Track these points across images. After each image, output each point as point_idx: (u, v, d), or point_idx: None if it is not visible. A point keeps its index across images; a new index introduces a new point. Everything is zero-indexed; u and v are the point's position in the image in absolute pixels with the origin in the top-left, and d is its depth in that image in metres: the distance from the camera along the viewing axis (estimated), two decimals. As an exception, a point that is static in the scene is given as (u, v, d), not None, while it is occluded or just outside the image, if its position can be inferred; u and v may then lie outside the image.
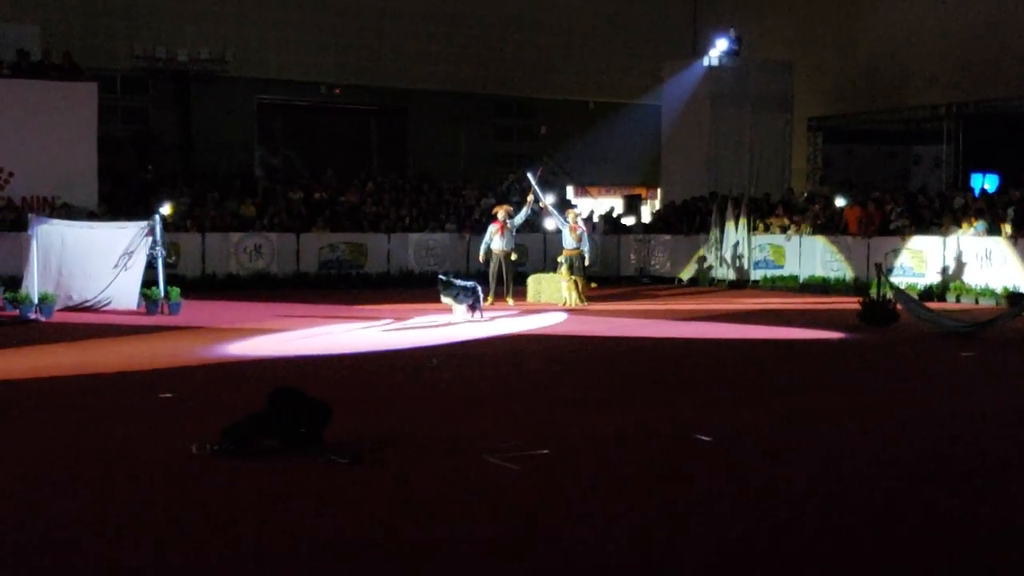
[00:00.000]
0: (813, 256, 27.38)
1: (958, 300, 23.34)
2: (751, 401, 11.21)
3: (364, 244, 28.91)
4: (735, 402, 11.12)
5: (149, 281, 20.18)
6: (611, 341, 16.94)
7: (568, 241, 23.01)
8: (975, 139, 33.02)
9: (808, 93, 35.93)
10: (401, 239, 29.37)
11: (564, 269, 22.52)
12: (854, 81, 35.90)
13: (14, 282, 20.20)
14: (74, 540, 6.36)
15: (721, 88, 34.11)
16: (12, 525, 6.59)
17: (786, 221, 28.81)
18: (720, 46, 34.35)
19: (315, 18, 36.48)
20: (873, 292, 19.31)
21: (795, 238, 27.86)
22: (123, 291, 20.01)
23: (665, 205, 35.20)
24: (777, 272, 27.99)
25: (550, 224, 26.35)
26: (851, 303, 19.86)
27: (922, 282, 24.34)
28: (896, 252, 25.59)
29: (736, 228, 28.32)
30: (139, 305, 19.93)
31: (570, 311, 21.37)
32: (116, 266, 20.01)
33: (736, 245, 28.37)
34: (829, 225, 27.96)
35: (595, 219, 32.79)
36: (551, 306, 22.16)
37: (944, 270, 24.42)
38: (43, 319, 18.71)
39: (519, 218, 23.18)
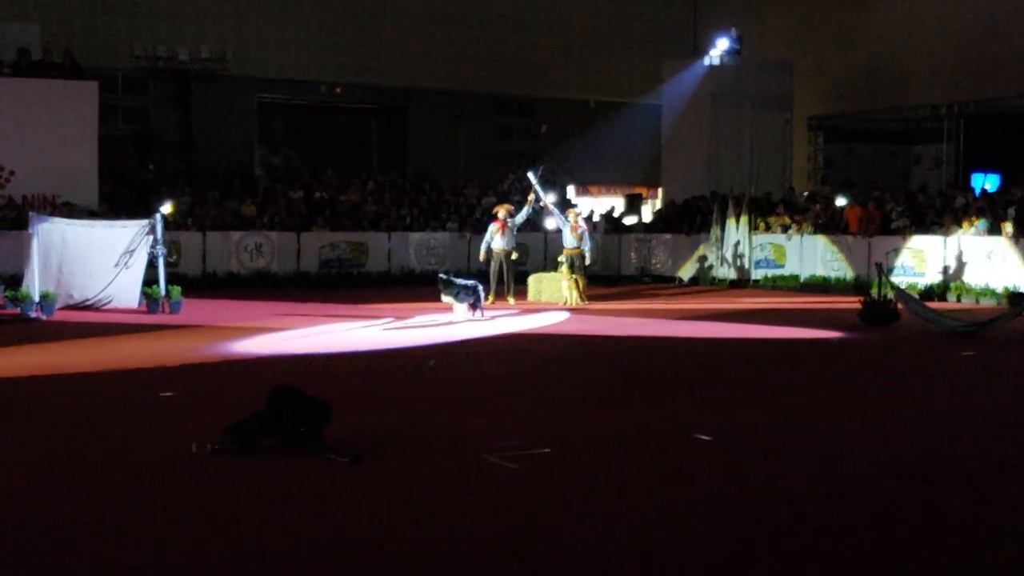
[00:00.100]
0: (814, 255, 27.37)
1: (959, 300, 23.33)
2: (751, 400, 11.21)
3: (365, 243, 28.92)
4: (735, 401, 11.12)
5: (150, 280, 20.19)
6: (612, 340, 16.94)
7: (569, 240, 23.01)
8: (976, 138, 33.03)
9: (809, 92, 35.93)
10: (402, 238, 29.38)
11: (565, 268, 22.53)
12: (855, 80, 35.90)
13: (15, 281, 20.21)
14: (74, 540, 6.36)
15: (722, 87, 34.12)
16: (12, 525, 6.59)
17: (787, 220, 28.80)
18: (721, 45, 34.37)
19: (315, 17, 36.51)
20: (874, 292, 19.30)
21: (796, 237, 27.86)
22: (124, 290, 20.02)
23: (666, 204, 35.20)
24: (778, 271, 27.98)
25: (551, 223, 26.35)
26: (852, 303, 19.85)
27: (923, 282, 24.34)
28: (897, 252, 25.59)
29: (737, 227, 28.32)
30: (140, 304, 19.95)
31: (571, 310, 21.37)
32: (117, 265, 20.02)
33: (737, 244, 28.36)
34: (830, 225, 27.95)
35: (595, 218, 32.79)
36: (552, 305, 22.16)
37: (945, 270, 24.42)
38: (44, 318, 18.71)
39: (520, 217, 23.19)
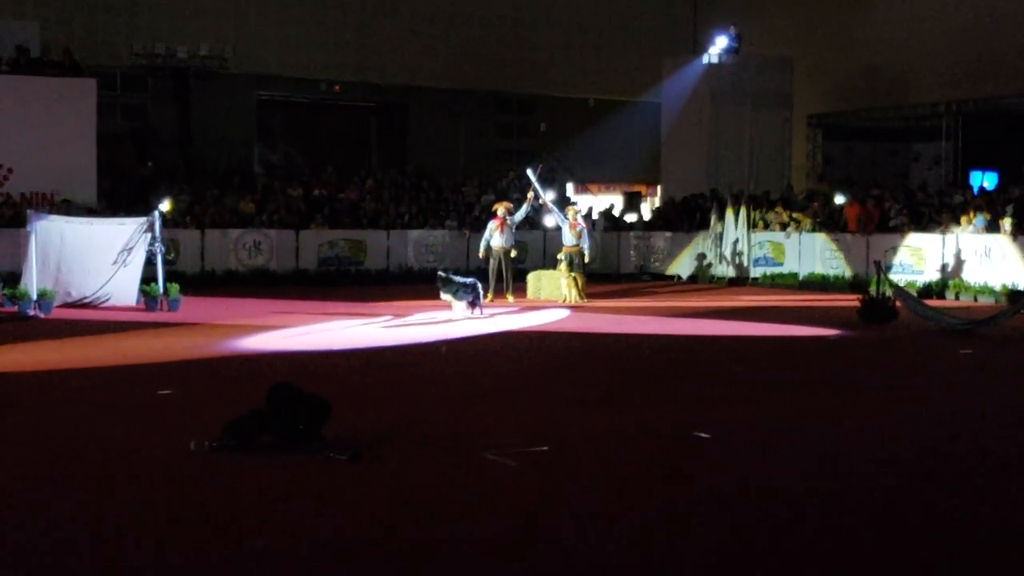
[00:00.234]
0: (812, 253, 27.37)
1: (957, 297, 23.34)
2: (750, 399, 11.21)
3: (363, 241, 28.91)
4: (734, 399, 11.12)
5: (148, 277, 20.19)
6: (611, 338, 16.95)
7: (568, 238, 23.00)
8: (974, 136, 33.05)
9: (808, 90, 35.93)
10: (401, 236, 29.37)
11: (564, 266, 22.53)
12: (854, 79, 35.90)
13: (13, 278, 20.20)
14: (74, 540, 6.35)
15: (721, 85, 34.12)
16: (12, 525, 6.58)
17: (786, 217, 28.80)
18: (720, 43, 34.35)
19: (315, 15, 36.48)
20: (872, 289, 19.30)
21: (795, 235, 27.86)
22: (122, 287, 20.02)
23: (665, 202, 35.20)
24: (776, 269, 27.99)
25: (550, 221, 26.36)
26: (850, 300, 19.85)
27: (921, 279, 24.36)
28: (895, 249, 25.60)
29: (736, 225, 28.31)
30: (138, 301, 19.95)
31: (570, 308, 21.36)
32: (115, 262, 20.02)
33: (736, 242, 28.36)
34: (829, 222, 27.95)
35: (594, 216, 32.78)
36: (551, 303, 22.15)
37: (943, 267, 24.44)
38: (42, 315, 18.71)
39: (519, 215, 23.18)
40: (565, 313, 20.41)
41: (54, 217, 21.10)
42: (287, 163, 37.26)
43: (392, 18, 37.43)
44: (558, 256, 23.16)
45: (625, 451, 8.76)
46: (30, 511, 6.88)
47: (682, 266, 29.97)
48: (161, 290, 19.84)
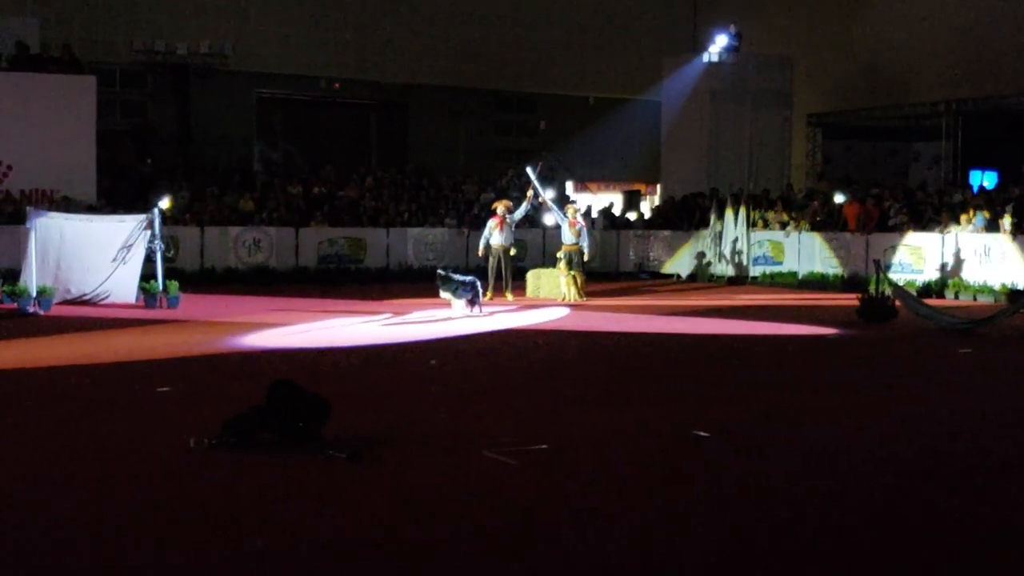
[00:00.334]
0: (812, 252, 27.38)
1: (956, 297, 23.34)
2: (749, 397, 11.21)
3: (363, 239, 28.90)
4: (734, 398, 11.12)
5: (148, 275, 20.19)
6: (610, 337, 16.95)
7: (567, 236, 23.01)
8: (974, 136, 33.04)
9: (808, 89, 35.93)
10: (400, 234, 29.35)
11: (563, 264, 22.53)
12: (854, 78, 35.91)
13: (13, 275, 20.19)
14: (74, 540, 6.34)
15: (721, 84, 34.13)
16: (12, 525, 6.57)
17: (785, 216, 28.80)
18: (720, 42, 34.37)
19: (315, 12, 36.47)
20: (872, 289, 19.30)
21: (794, 234, 27.86)
22: (121, 285, 20.02)
23: (664, 201, 35.19)
24: (776, 268, 27.99)
25: (549, 219, 26.35)
26: (850, 299, 19.84)
27: (921, 279, 24.36)
28: (895, 248, 25.60)
29: (735, 224, 28.32)
30: (137, 299, 19.95)
31: (569, 306, 21.36)
32: (115, 260, 20.03)
33: (735, 241, 28.36)
34: (828, 221, 27.95)
35: (594, 215, 32.76)
36: (550, 301, 22.16)
37: (943, 267, 24.44)
38: (41, 312, 18.71)
39: (518, 214, 23.18)
40: (564, 312, 20.41)
41: (54, 214, 21.10)
42: (287, 161, 37.27)
43: (392, 16, 37.42)
44: (557, 255, 23.16)
45: (625, 450, 8.76)
46: (30, 511, 6.87)
47: (681, 265, 29.98)
48: (160, 287, 19.85)
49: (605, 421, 9.83)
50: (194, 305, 20.15)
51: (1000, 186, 29.89)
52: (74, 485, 7.51)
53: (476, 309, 19.16)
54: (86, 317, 18.21)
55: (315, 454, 8.18)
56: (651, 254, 31.01)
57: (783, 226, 28.46)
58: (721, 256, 28.63)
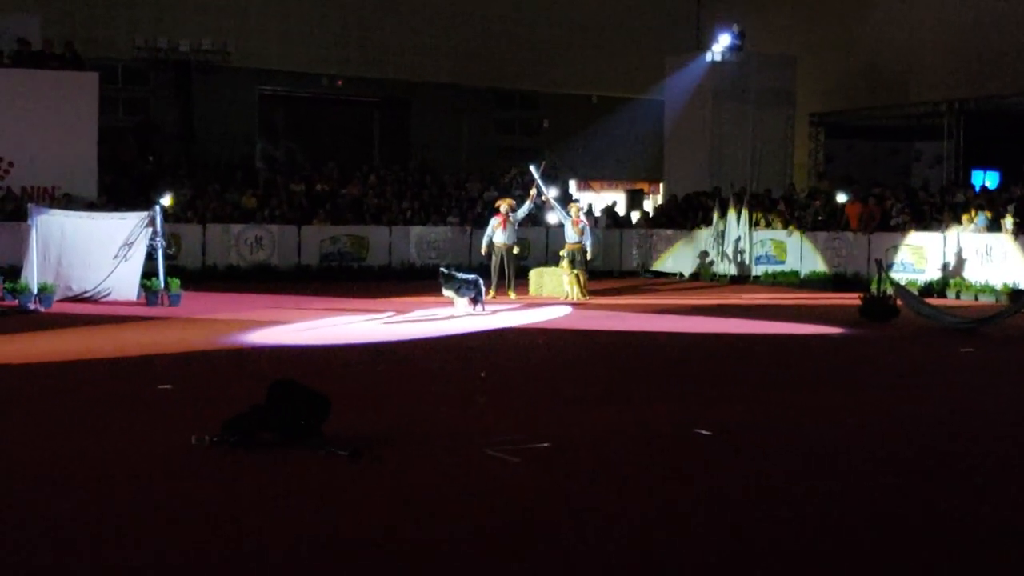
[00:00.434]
0: (815, 252, 27.37)
1: (958, 296, 23.34)
2: (750, 397, 11.20)
3: (366, 237, 28.91)
4: (734, 398, 11.11)
5: (149, 272, 20.20)
6: (612, 335, 16.94)
7: (570, 235, 23.02)
8: (976, 135, 33.05)
9: (810, 89, 35.92)
10: (403, 232, 29.37)
11: (566, 263, 22.53)
12: (856, 77, 35.89)
13: (14, 272, 20.21)
14: (74, 540, 6.33)
15: (724, 83, 34.15)
16: (12, 525, 6.57)
17: (785, 219, 28.78)
18: (723, 41, 34.39)
19: (318, 9, 36.47)
20: (873, 288, 19.30)
21: (796, 233, 27.86)
22: (123, 282, 20.02)
23: (667, 200, 35.20)
24: (778, 267, 27.99)
25: (552, 218, 26.36)
26: (852, 299, 19.84)
27: (922, 278, 24.36)
28: (897, 248, 25.59)
29: (738, 223, 28.32)
30: (139, 296, 19.95)
31: (572, 305, 21.36)
32: (116, 257, 20.03)
33: (738, 240, 28.36)
34: (829, 221, 27.95)
35: (596, 213, 32.76)
36: (553, 300, 22.17)
37: (944, 266, 24.43)
38: (42, 309, 18.72)
39: (521, 212, 23.17)
40: (567, 310, 20.42)
41: (55, 211, 21.10)
42: (289, 158, 37.28)
43: (395, 14, 37.43)
44: (560, 253, 23.17)
45: (625, 450, 8.75)
46: (30, 511, 6.87)
47: (683, 264, 29.99)
48: (162, 285, 19.85)
49: (605, 421, 9.82)
50: (195, 303, 20.15)
51: (1002, 186, 29.91)
52: (74, 485, 7.49)
53: (479, 307, 19.16)
54: (87, 314, 18.21)
55: (316, 451, 8.17)
56: (654, 253, 31.02)
57: (786, 225, 28.45)
58: (724, 255, 28.64)
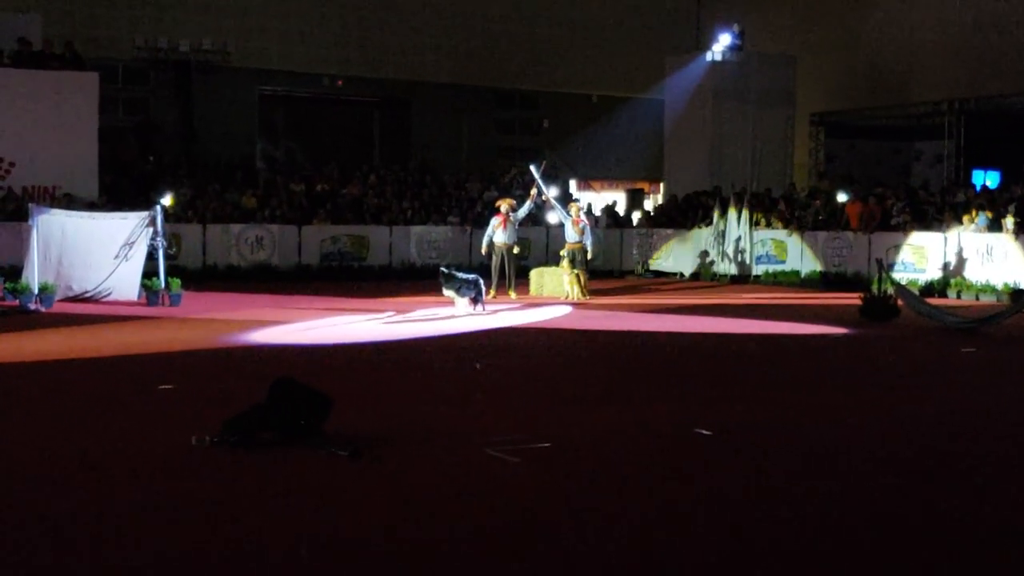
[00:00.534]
0: (815, 251, 27.36)
1: (959, 296, 23.34)
2: (750, 397, 11.19)
3: (366, 236, 28.92)
4: (734, 398, 11.10)
5: (149, 272, 20.20)
6: (613, 335, 16.93)
7: (570, 235, 23.03)
8: (977, 135, 33.04)
9: (811, 88, 35.92)
10: (403, 232, 29.38)
11: (566, 263, 22.53)
12: (856, 77, 35.91)
13: (14, 272, 20.21)
14: (74, 540, 6.33)
15: (724, 83, 34.16)
16: (12, 525, 6.57)
17: (784, 221, 28.78)
18: (723, 41, 34.41)
19: (318, 9, 36.50)
20: (874, 287, 19.30)
21: (796, 233, 27.85)
22: (124, 282, 20.02)
23: (667, 199, 35.20)
24: (779, 267, 27.99)
25: (553, 217, 26.36)
26: (853, 298, 19.84)
27: (923, 278, 24.35)
28: (897, 248, 25.58)
29: (738, 223, 28.32)
30: (139, 296, 19.95)
31: (572, 305, 21.36)
32: (117, 257, 20.03)
33: (738, 240, 28.36)
34: (831, 221, 27.95)
35: (596, 213, 32.75)
36: (553, 300, 22.17)
37: (945, 266, 24.43)
38: (43, 309, 18.72)
39: (522, 212, 23.17)
40: (567, 310, 20.41)
41: (56, 211, 21.10)
42: (289, 158, 37.30)
43: (395, 13, 37.44)
44: (561, 253, 23.17)
45: (625, 450, 8.75)
46: (30, 511, 6.86)
47: (683, 263, 29.99)
48: (162, 285, 19.86)
49: (605, 421, 9.82)
50: (196, 303, 20.16)
51: (1003, 185, 29.89)
52: (74, 485, 7.49)
53: (479, 307, 19.16)
54: (88, 314, 18.21)
55: (317, 450, 8.17)
56: (654, 253, 31.01)
57: (786, 224, 28.45)
58: (724, 255, 28.64)
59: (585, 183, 41.36)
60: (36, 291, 18.94)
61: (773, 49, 35.77)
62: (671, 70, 35.58)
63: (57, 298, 19.34)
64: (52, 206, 22.84)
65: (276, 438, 8.46)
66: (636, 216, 34.83)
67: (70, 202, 25.24)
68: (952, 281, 23.91)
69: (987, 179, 32.81)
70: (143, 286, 19.95)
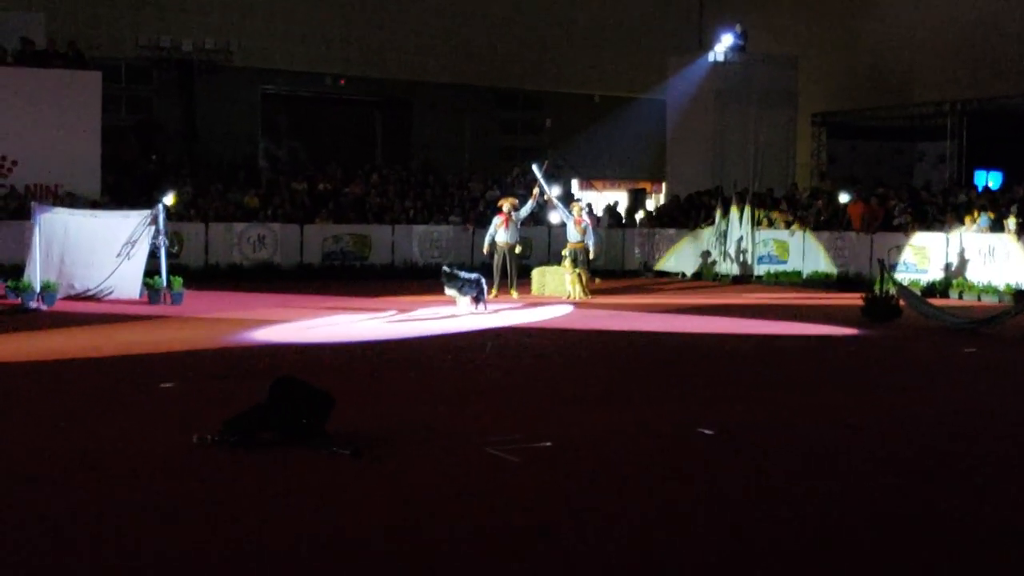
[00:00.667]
0: (817, 251, 27.37)
1: (961, 296, 23.32)
2: (751, 397, 11.19)
3: (368, 236, 28.93)
4: (735, 398, 11.10)
5: (151, 271, 20.20)
6: (614, 335, 16.92)
7: (572, 234, 23.04)
8: (979, 136, 33.03)
9: (813, 89, 35.95)
10: (405, 231, 29.39)
11: (568, 262, 22.53)
12: (859, 77, 35.93)
13: (17, 270, 20.21)
14: (74, 540, 6.33)
15: (726, 83, 34.17)
16: (12, 525, 6.57)
17: (789, 217, 28.79)
18: (725, 41, 34.42)
19: (320, 9, 36.51)
20: (876, 288, 19.29)
21: (798, 233, 27.86)
22: (125, 280, 20.02)
23: (670, 199, 35.20)
24: (781, 267, 27.98)
25: (555, 217, 26.36)
26: (854, 299, 19.82)
27: (925, 278, 24.34)
28: (899, 248, 25.57)
29: (740, 223, 28.31)
30: (141, 295, 19.95)
31: (574, 304, 21.36)
32: (119, 255, 20.03)
33: (740, 240, 28.35)
34: (833, 221, 27.94)
35: (598, 212, 32.75)
36: (555, 299, 22.16)
37: (947, 266, 24.41)
38: (45, 308, 18.72)
39: (524, 211, 23.16)
40: (569, 309, 20.41)
41: (58, 209, 21.10)
42: (292, 157, 37.29)
43: (397, 13, 37.45)
44: (563, 252, 23.17)
45: (625, 450, 8.75)
46: (30, 511, 6.87)
47: (685, 263, 30.00)
48: (164, 283, 19.86)
49: (605, 421, 9.82)
50: (198, 301, 20.16)
51: (1005, 186, 29.87)
52: (74, 485, 7.49)
53: (481, 307, 19.16)
54: (90, 313, 18.21)
55: (318, 450, 8.18)
56: (656, 253, 31.02)
57: (788, 225, 28.45)
58: (726, 255, 28.63)
59: (587, 183, 41.36)
60: (38, 289, 18.96)
61: (775, 50, 35.78)
62: (673, 70, 35.60)
63: (59, 296, 19.35)
64: (55, 204, 22.84)
65: (277, 438, 8.46)
66: (639, 216, 34.80)
67: (72, 201, 25.25)
68: (954, 282, 23.89)
69: (989, 180, 32.80)
70: (145, 285, 19.95)
